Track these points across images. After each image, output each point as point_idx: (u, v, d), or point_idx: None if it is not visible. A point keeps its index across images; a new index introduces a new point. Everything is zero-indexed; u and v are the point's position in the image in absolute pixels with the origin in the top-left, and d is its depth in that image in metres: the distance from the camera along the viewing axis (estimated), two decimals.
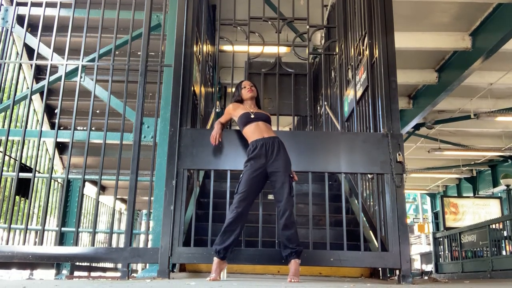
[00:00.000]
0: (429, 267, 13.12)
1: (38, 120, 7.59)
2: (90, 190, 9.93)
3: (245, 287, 2.32)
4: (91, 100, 3.63)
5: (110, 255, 3.25)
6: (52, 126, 7.63)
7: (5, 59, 3.83)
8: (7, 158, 6.50)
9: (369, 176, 3.91)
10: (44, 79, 4.55)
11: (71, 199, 7.37)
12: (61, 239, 6.88)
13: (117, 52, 3.87)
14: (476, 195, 15.05)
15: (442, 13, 6.83)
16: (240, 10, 4.17)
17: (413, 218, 22.78)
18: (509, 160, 13.56)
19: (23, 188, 6.31)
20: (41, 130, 3.60)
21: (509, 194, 11.97)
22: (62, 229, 4.66)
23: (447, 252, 10.50)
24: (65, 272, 6.58)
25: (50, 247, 3.57)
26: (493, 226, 8.41)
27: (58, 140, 5.70)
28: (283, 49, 6.23)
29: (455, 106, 9.73)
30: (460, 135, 11.90)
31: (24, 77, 6.97)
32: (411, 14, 6.83)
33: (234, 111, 3.34)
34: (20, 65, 4.04)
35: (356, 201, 4.76)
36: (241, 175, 3.09)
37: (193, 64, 3.65)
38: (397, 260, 3.11)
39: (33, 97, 6.57)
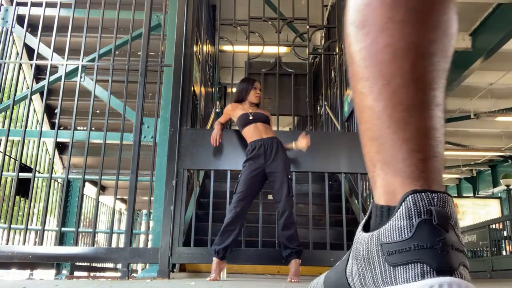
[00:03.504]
0: None
1: (38, 120, 7.59)
2: (90, 190, 9.93)
3: (245, 287, 2.32)
4: (91, 100, 3.64)
5: (110, 255, 3.25)
6: (52, 126, 7.63)
7: (5, 59, 3.83)
8: (7, 158, 6.50)
9: None
10: (44, 79, 4.55)
11: (71, 199, 7.36)
12: (61, 239, 6.89)
13: (117, 52, 3.87)
14: (476, 195, 15.05)
15: None
16: (240, 10, 4.17)
17: None
18: (509, 160, 13.55)
19: (23, 188, 6.31)
20: (41, 130, 3.60)
21: (509, 194, 11.96)
22: (62, 229, 4.66)
23: None
24: (65, 272, 6.57)
25: (50, 247, 3.58)
26: (493, 226, 8.41)
27: (58, 140, 5.70)
28: (283, 49, 6.22)
29: (455, 106, 9.73)
30: (460, 135, 11.91)
31: (24, 77, 6.97)
32: None
33: (233, 112, 3.34)
34: (20, 65, 4.04)
35: (356, 201, 4.76)
36: (240, 175, 3.10)
37: (193, 64, 3.65)
38: None
39: (33, 97, 6.57)
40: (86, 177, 3.52)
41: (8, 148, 6.65)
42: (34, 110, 7.49)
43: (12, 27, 4.13)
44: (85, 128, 7.11)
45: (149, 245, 3.71)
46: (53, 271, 6.63)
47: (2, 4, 5.51)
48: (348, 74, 0.51)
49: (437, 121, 0.46)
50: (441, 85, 0.47)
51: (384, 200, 0.46)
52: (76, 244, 3.42)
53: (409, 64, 0.45)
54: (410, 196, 0.42)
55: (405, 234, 0.41)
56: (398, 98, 0.45)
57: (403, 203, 0.42)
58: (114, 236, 10.17)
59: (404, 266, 0.40)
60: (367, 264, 0.45)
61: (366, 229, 0.48)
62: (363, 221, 0.49)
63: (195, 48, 3.84)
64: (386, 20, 0.46)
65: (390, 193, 0.46)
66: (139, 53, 3.78)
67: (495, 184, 14.35)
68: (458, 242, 0.41)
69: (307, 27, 4.18)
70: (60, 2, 3.81)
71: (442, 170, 0.46)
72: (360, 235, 0.47)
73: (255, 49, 4.63)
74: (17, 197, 6.63)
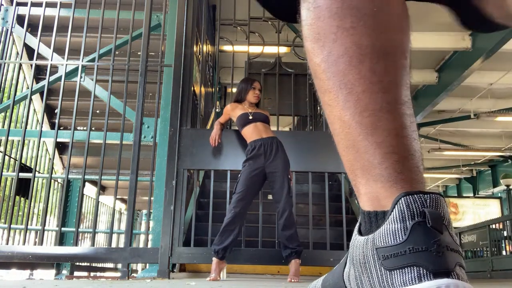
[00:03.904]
0: None
1: (38, 120, 7.59)
2: (90, 190, 9.93)
3: (244, 287, 2.32)
4: (91, 100, 3.64)
5: (110, 255, 3.25)
6: (52, 126, 7.62)
7: (5, 59, 3.83)
8: (7, 158, 6.50)
9: None
10: (44, 79, 4.55)
11: (71, 199, 7.36)
12: (61, 239, 6.89)
13: (117, 52, 3.87)
14: (476, 195, 15.05)
15: (442, 13, 6.73)
16: (240, 10, 4.17)
17: None
18: (509, 160, 13.55)
19: (23, 188, 6.31)
20: (41, 130, 3.60)
21: (509, 194, 11.96)
22: (62, 229, 4.66)
23: None
24: (65, 272, 6.58)
25: (50, 247, 3.58)
26: (493, 226, 8.41)
27: (58, 140, 5.71)
28: (283, 49, 6.22)
29: (455, 106, 9.73)
30: (460, 135, 11.90)
31: (24, 77, 6.97)
32: (411, 14, 6.71)
33: (232, 111, 3.34)
34: (20, 65, 4.04)
35: (356, 201, 4.76)
36: (239, 175, 3.10)
37: (193, 64, 3.65)
38: None
39: (33, 97, 6.57)
40: (86, 177, 3.53)
41: (8, 148, 6.65)
42: (34, 110, 7.49)
43: (12, 27, 4.13)
44: (85, 128, 7.11)
45: (149, 245, 3.71)
46: (53, 271, 6.63)
47: (2, 4, 5.51)
48: (315, 89, 0.51)
49: (406, 118, 0.46)
50: (403, 83, 0.47)
51: (370, 206, 0.46)
52: (76, 244, 3.42)
53: (367, 69, 0.45)
54: (402, 198, 0.42)
55: (399, 237, 0.41)
56: (363, 104, 0.45)
57: (396, 206, 0.42)
58: (114, 236, 10.16)
59: (401, 270, 0.40)
60: (364, 268, 0.44)
61: (361, 232, 0.48)
62: (357, 224, 0.49)
63: (195, 48, 3.84)
64: (335, 30, 0.46)
65: (374, 199, 0.45)
66: (139, 53, 3.78)
67: (495, 184, 14.35)
68: (452, 242, 0.41)
69: None
70: (60, 2, 3.81)
71: (421, 168, 0.46)
72: (356, 239, 0.47)
73: (255, 49, 4.64)
74: (17, 197, 6.63)
